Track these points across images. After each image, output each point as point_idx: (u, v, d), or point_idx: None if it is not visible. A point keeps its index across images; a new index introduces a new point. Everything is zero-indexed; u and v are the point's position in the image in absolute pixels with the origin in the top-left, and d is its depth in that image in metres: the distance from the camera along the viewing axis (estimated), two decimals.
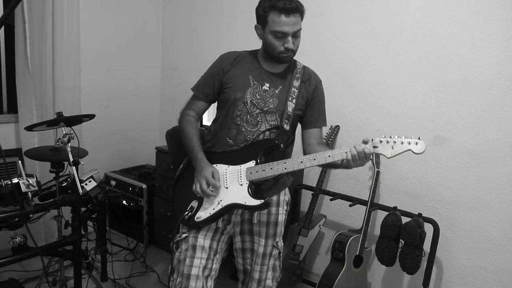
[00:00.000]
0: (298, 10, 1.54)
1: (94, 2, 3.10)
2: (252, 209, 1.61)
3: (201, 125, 2.77)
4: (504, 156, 2.09)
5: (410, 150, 1.45)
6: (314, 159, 1.52)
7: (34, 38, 2.70)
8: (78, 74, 2.97)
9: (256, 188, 1.65)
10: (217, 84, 1.72)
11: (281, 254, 1.83)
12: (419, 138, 1.44)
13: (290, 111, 1.66)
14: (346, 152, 1.50)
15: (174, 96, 3.61)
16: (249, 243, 1.78)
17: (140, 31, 3.48)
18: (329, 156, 1.51)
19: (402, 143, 1.45)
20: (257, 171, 1.58)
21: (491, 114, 2.11)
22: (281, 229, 1.80)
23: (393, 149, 1.46)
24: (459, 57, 2.18)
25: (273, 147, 1.63)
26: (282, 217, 1.79)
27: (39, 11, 2.68)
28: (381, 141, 1.48)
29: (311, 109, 1.72)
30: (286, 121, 1.66)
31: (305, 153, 1.72)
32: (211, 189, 1.59)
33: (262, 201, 1.56)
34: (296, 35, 1.58)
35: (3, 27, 1.81)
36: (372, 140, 1.49)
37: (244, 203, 1.58)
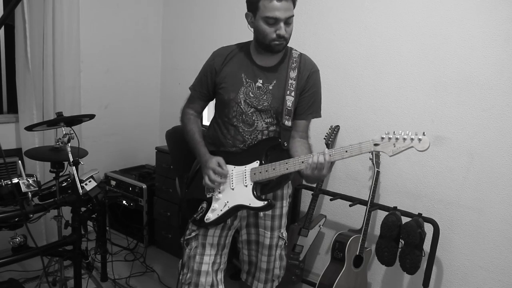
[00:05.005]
0: None
1: (94, 2, 3.10)
2: (256, 210, 1.63)
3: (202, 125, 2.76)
4: (504, 156, 2.09)
5: (413, 147, 1.36)
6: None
7: (34, 38, 2.70)
8: (78, 74, 2.98)
9: (261, 188, 1.65)
10: (211, 84, 1.71)
11: (286, 244, 1.86)
12: (423, 134, 1.34)
13: (290, 106, 1.61)
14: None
15: (174, 96, 3.61)
16: (254, 235, 1.82)
17: (140, 31, 3.48)
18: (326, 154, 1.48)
19: (404, 139, 1.36)
20: (260, 172, 1.58)
21: (491, 114, 2.11)
22: (285, 220, 1.84)
23: (394, 146, 1.37)
24: (459, 57, 2.17)
25: (277, 146, 1.62)
26: (286, 210, 1.83)
27: (39, 11, 2.68)
28: (382, 138, 1.39)
29: (301, 99, 1.66)
30: (287, 117, 1.62)
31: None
32: (219, 178, 1.61)
33: (266, 202, 1.57)
34: (288, 21, 1.52)
35: (3, 27, 1.81)
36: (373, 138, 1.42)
37: (249, 205, 1.60)
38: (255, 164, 1.61)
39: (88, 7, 3.03)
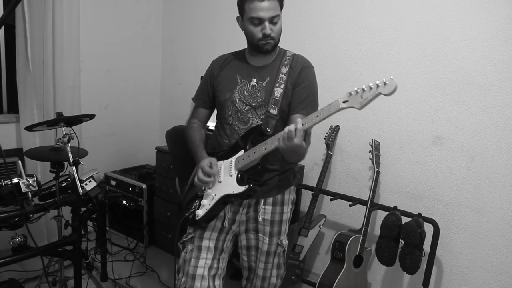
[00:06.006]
0: None
1: (94, 2, 3.10)
2: (240, 196, 1.59)
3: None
4: (504, 156, 2.09)
5: (380, 93, 1.29)
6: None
7: (34, 38, 2.70)
8: (78, 74, 2.98)
9: (247, 179, 1.64)
10: (211, 89, 1.77)
11: (286, 252, 1.84)
12: (391, 78, 1.27)
13: (278, 96, 1.63)
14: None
15: (174, 96, 3.60)
16: (254, 241, 1.80)
17: (140, 31, 3.48)
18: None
19: (370, 88, 1.29)
20: (243, 159, 1.60)
21: (491, 114, 2.11)
22: (285, 227, 1.81)
23: (362, 98, 1.31)
24: (459, 57, 2.18)
25: (260, 133, 1.62)
26: (286, 216, 1.80)
27: (39, 11, 2.68)
28: (350, 94, 1.33)
29: (294, 94, 1.66)
30: (273, 105, 1.63)
31: None
32: (207, 178, 1.62)
33: (247, 186, 1.56)
34: (273, 21, 1.56)
35: (3, 27, 1.81)
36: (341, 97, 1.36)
37: (232, 192, 1.59)
38: (240, 153, 1.62)
39: (88, 7, 3.03)
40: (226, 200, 1.63)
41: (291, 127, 1.41)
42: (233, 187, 1.59)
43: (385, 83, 1.27)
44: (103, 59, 3.26)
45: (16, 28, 2.70)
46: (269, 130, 1.62)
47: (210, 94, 1.78)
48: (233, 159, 1.63)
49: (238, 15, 1.65)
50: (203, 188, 1.68)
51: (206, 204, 1.65)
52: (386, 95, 1.28)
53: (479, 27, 2.10)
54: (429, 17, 2.24)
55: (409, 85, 2.34)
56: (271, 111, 1.63)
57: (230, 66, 1.73)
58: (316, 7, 2.64)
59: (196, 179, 1.65)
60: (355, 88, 1.33)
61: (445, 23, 2.20)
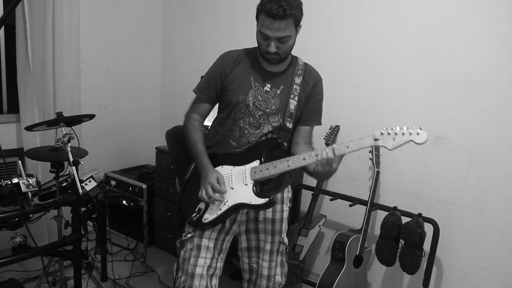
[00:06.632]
0: (285, 17, 1.47)
1: (94, 2, 3.10)
2: (257, 208, 1.62)
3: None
4: (504, 156, 2.09)
5: (412, 141, 1.41)
6: (317, 155, 1.50)
7: (34, 38, 2.70)
8: (78, 74, 2.98)
9: (260, 188, 1.65)
10: (219, 86, 1.70)
11: (287, 250, 1.85)
12: (420, 128, 1.41)
13: (293, 109, 1.65)
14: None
15: (174, 96, 3.61)
16: (254, 242, 1.80)
17: (140, 31, 3.48)
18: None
19: (403, 134, 1.42)
20: (261, 170, 1.59)
21: (491, 114, 2.11)
22: (285, 225, 1.82)
23: (394, 140, 1.43)
24: (459, 57, 2.18)
25: (277, 146, 1.63)
26: (286, 214, 1.81)
27: (39, 11, 2.68)
28: (382, 133, 1.45)
29: (307, 106, 1.71)
30: (289, 119, 1.65)
31: (290, 151, 1.72)
32: (217, 195, 1.59)
33: (267, 199, 1.58)
34: (281, 40, 1.53)
35: (3, 27, 1.81)
36: (373, 134, 1.47)
37: (249, 202, 1.60)
38: (255, 163, 1.61)
39: (88, 7, 3.03)
40: (239, 207, 1.63)
41: (330, 153, 1.47)
42: (250, 198, 1.60)
43: (418, 133, 1.41)
44: (103, 59, 3.26)
45: (16, 28, 2.70)
46: (285, 145, 1.65)
47: (218, 91, 1.72)
48: (247, 168, 1.62)
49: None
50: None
51: (216, 209, 1.63)
52: (416, 143, 1.41)
53: (479, 27, 2.10)
54: (429, 17, 2.24)
55: (409, 85, 2.34)
56: (287, 124, 1.66)
57: (243, 66, 1.68)
58: (316, 7, 2.64)
59: (203, 194, 1.60)
60: (386, 129, 1.44)
61: (445, 23, 2.20)
